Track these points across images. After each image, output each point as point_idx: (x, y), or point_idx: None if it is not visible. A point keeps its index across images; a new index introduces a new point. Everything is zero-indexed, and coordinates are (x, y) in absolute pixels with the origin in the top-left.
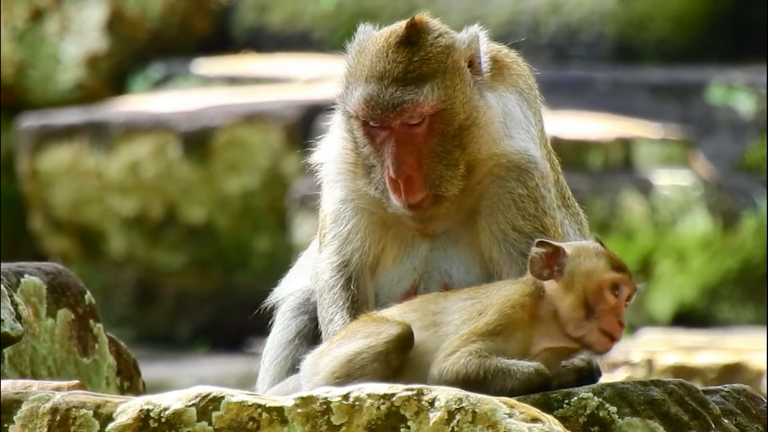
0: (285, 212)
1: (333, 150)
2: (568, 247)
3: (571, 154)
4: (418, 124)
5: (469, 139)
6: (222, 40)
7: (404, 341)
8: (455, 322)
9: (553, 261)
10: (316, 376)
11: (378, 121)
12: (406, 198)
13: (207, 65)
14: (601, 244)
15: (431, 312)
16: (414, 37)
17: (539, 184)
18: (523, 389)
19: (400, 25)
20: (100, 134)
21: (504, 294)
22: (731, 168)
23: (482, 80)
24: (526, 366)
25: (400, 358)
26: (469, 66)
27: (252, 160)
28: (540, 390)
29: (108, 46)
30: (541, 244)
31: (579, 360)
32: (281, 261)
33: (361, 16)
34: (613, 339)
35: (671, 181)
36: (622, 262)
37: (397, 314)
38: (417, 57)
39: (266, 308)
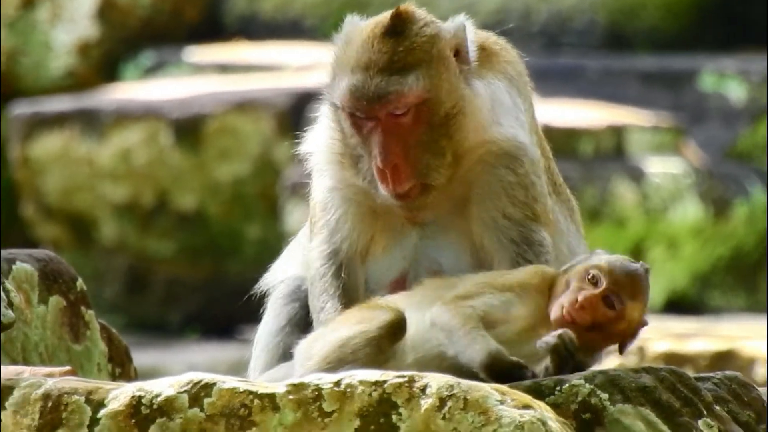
0: (276, 200)
1: (321, 140)
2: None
3: (562, 142)
4: (404, 114)
5: (456, 127)
6: (213, 27)
7: (396, 327)
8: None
9: None
10: (309, 361)
11: (364, 112)
12: (394, 188)
13: (198, 53)
14: (648, 271)
15: (437, 288)
16: (399, 27)
17: (529, 170)
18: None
19: (385, 16)
20: (92, 121)
21: (530, 268)
22: (722, 155)
23: (469, 69)
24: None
25: (392, 343)
26: (455, 55)
27: (243, 147)
28: (505, 375)
29: (99, 33)
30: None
31: (551, 338)
32: (272, 248)
33: (351, 4)
34: (567, 321)
35: (662, 168)
36: (626, 279)
37: (397, 300)
38: (402, 47)
39: (257, 295)
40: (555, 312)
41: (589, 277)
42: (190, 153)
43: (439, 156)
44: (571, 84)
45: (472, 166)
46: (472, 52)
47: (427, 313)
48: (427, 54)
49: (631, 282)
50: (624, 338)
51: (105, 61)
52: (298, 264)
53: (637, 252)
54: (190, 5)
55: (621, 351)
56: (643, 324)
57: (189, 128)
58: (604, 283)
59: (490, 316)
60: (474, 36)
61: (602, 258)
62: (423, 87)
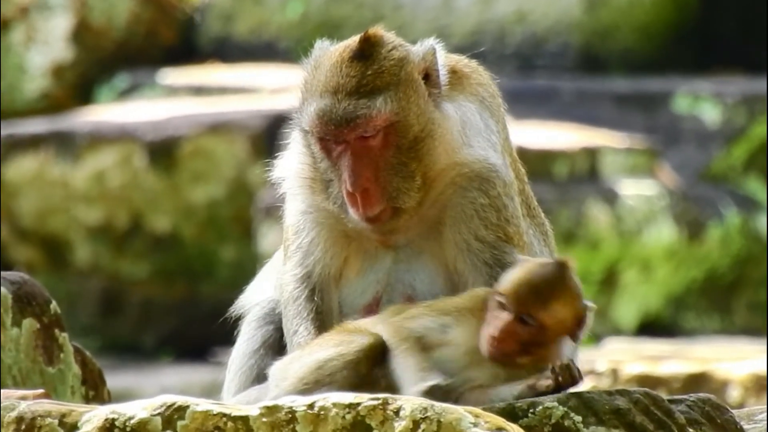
0: (250, 222)
1: (292, 165)
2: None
3: (536, 164)
4: (373, 137)
5: (425, 150)
6: (188, 50)
7: (375, 351)
8: None
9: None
10: (284, 382)
11: (332, 136)
12: (364, 211)
13: (173, 75)
14: (562, 266)
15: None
16: (367, 51)
17: (501, 192)
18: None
19: (354, 40)
20: (66, 144)
21: (469, 292)
22: (697, 178)
23: (439, 92)
24: (424, 379)
25: (370, 367)
26: (425, 78)
27: (217, 169)
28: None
29: (74, 55)
30: None
31: (544, 380)
32: (246, 271)
33: (326, 26)
34: (491, 350)
35: (636, 190)
36: (533, 284)
37: (368, 324)
38: (370, 71)
39: (231, 318)
40: (483, 348)
41: (497, 305)
42: (165, 175)
43: (409, 179)
44: (546, 106)
45: (444, 189)
46: (443, 76)
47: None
48: (395, 77)
49: (538, 293)
50: (565, 334)
51: (80, 84)
52: (272, 286)
53: (610, 274)
54: (164, 28)
55: (574, 340)
56: (583, 311)
57: (163, 150)
58: (511, 308)
59: (427, 338)
60: (445, 59)
61: (508, 278)
62: (391, 110)
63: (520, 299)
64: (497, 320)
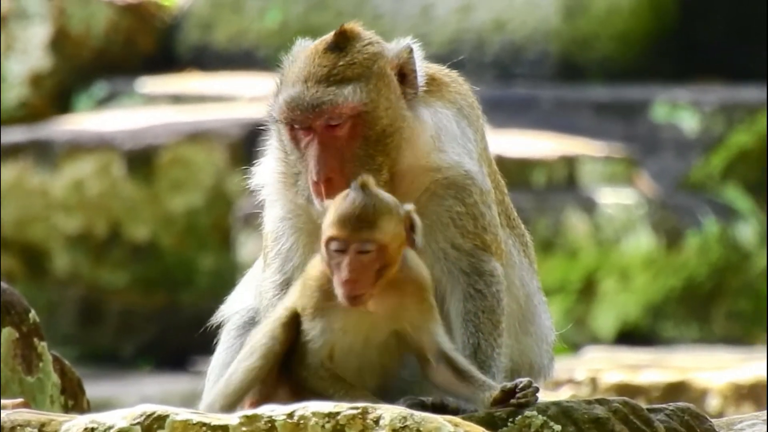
0: (229, 230)
1: (268, 170)
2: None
3: (514, 173)
4: (340, 126)
5: (393, 146)
6: (166, 58)
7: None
8: None
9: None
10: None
11: (299, 122)
12: (327, 201)
13: (151, 83)
14: (364, 185)
15: None
16: (342, 44)
17: (478, 200)
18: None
19: (330, 33)
20: (45, 152)
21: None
22: (675, 186)
23: (414, 93)
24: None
25: (269, 371)
26: (401, 78)
27: (196, 178)
28: None
29: (52, 64)
30: None
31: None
32: (226, 279)
33: (306, 35)
34: (348, 295)
35: (615, 199)
36: (348, 214)
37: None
38: (342, 62)
39: (211, 327)
40: (342, 297)
41: (334, 250)
42: (143, 184)
43: (375, 172)
44: (524, 114)
45: (420, 197)
46: (420, 78)
47: None
48: (366, 69)
49: (361, 218)
50: (405, 244)
51: (58, 92)
52: (252, 295)
53: (589, 283)
54: (143, 36)
55: (414, 246)
56: (407, 215)
57: (142, 159)
58: (346, 245)
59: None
60: (423, 63)
61: (327, 225)
62: (359, 100)
63: (349, 232)
64: (341, 264)
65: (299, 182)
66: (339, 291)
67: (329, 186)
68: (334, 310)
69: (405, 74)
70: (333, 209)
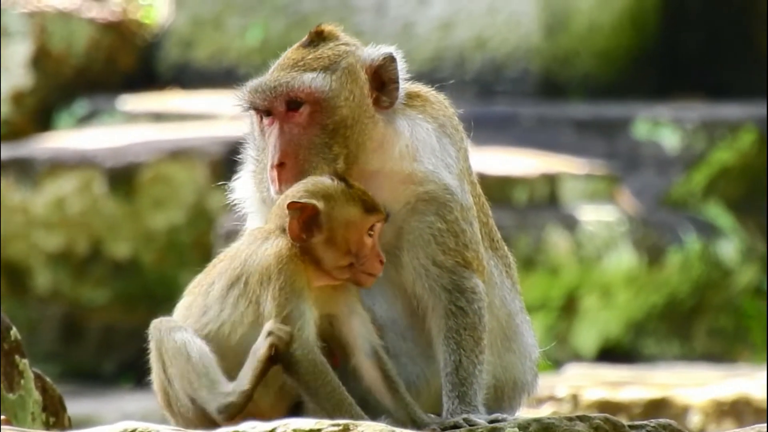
0: (210, 248)
1: (246, 183)
2: (318, 200)
3: (496, 190)
4: (299, 113)
5: (353, 140)
6: (147, 76)
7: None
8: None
9: (309, 220)
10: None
11: (259, 105)
12: (279, 186)
13: (132, 101)
14: (346, 181)
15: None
16: (316, 41)
17: (459, 217)
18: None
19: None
20: (26, 170)
21: (270, 254)
22: (656, 203)
23: (389, 102)
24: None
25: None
26: (378, 83)
27: (177, 195)
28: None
29: (33, 82)
30: (291, 205)
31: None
32: None
33: None
34: (375, 276)
35: (596, 216)
36: (371, 198)
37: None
38: (311, 55)
39: None
40: (362, 279)
41: (365, 236)
42: (124, 201)
43: (331, 162)
44: (505, 132)
45: (400, 211)
46: (401, 89)
47: None
48: (333, 63)
49: (363, 196)
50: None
51: (39, 110)
52: None
53: (570, 300)
54: (124, 54)
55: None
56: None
57: (123, 177)
58: (374, 221)
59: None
60: (407, 76)
61: (355, 212)
62: (319, 87)
63: (369, 212)
64: (375, 241)
65: (264, 174)
66: (373, 266)
67: (282, 171)
68: (304, 290)
69: (383, 82)
70: (337, 200)
